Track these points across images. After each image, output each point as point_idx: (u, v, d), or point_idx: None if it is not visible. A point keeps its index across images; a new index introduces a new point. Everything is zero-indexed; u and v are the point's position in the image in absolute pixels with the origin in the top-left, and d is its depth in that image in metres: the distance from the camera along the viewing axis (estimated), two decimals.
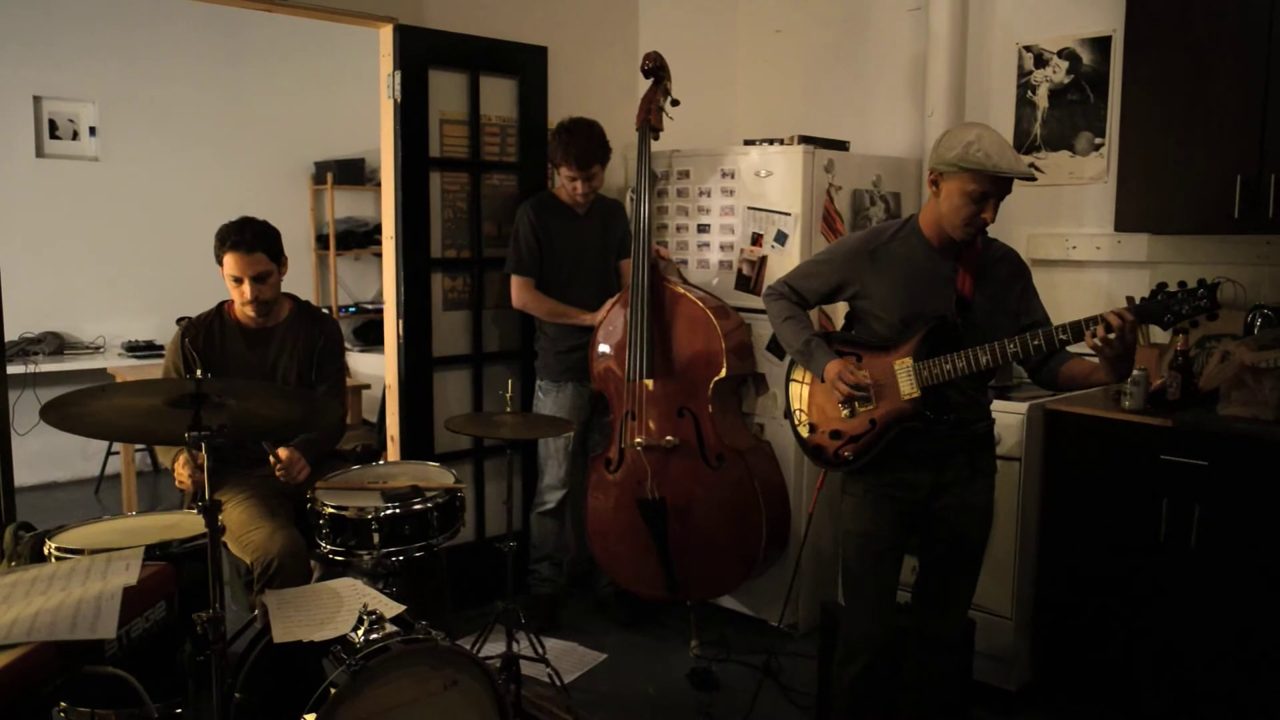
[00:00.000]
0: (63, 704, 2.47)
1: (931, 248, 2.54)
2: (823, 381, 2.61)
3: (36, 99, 5.89)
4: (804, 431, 2.73)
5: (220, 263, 3.11)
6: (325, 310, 3.95)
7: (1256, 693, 2.87)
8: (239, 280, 3.09)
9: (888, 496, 2.59)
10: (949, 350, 2.45)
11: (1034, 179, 2.50)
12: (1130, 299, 2.36)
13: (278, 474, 2.95)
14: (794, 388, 2.77)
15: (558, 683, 3.20)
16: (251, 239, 3.07)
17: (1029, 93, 3.87)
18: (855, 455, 2.59)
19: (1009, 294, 2.57)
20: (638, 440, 3.70)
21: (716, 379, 3.60)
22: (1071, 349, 2.43)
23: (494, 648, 3.21)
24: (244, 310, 3.16)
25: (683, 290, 3.69)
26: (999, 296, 2.55)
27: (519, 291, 3.85)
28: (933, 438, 2.53)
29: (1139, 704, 3.10)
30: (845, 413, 2.60)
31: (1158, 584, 3.03)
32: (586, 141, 3.72)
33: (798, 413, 2.75)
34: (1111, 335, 2.27)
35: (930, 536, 2.64)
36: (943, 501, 2.58)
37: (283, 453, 2.97)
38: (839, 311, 3.06)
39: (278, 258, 3.15)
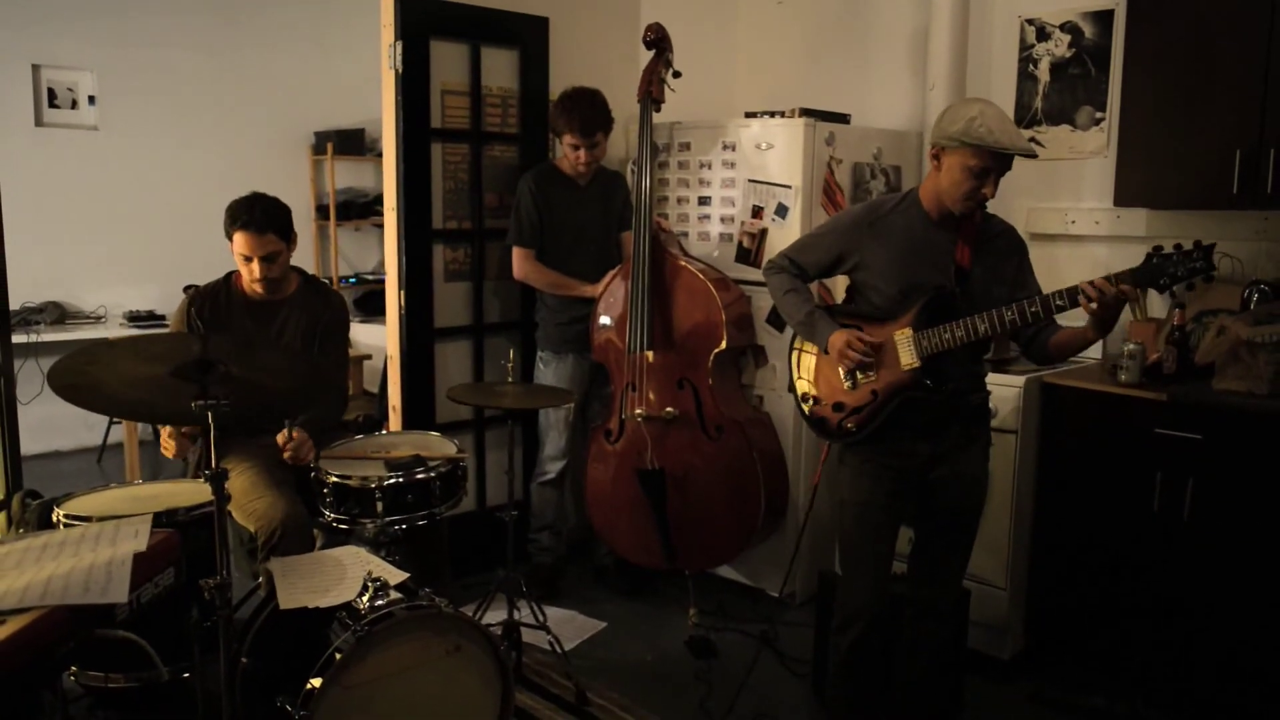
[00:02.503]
0: (74, 668, 2.54)
1: (931, 220, 2.57)
2: (826, 353, 2.63)
3: (35, 67, 5.86)
4: (807, 405, 2.76)
5: (230, 239, 3.11)
6: (327, 281, 3.97)
7: (1248, 662, 2.92)
8: (248, 259, 3.09)
9: (885, 466, 2.62)
10: (947, 320, 2.48)
11: (1035, 156, 2.51)
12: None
13: (286, 454, 2.97)
14: (796, 361, 2.80)
15: (558, 650, 3.24)
16: (263, 219, 3.06)
17: (1031, 66, 3.87)
18: (858, 426, 2.62)
19: (1005, 267, 2.60)
20: (638, 411, 3.72)
21: (716, 351, 3.62)
22: (1061, 317, 2.46)
23: (495, 615, 3.25)
24: (252, 286, 3.17)
25: (683, 262, 3.70)
26: (996, 269, 2.58)
27: (520, 263, 3.86)
28: (930, 408, 2.56)
29: (1131, 673, 3.15)
30: (848, 384, 2.63)
31: (1151, 555, 3.07)
32: (590, 108, 3.72)
33: (801, 384, 2.78)
34: (1106, 297, 2.31)
35: (926, 506, 2.67)
36: (938, 471, 2.62)
37: (297, 434, 2.98)
38: (839, 286, 3.08)
39: (288, 236, 3.15)
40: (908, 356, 2.54)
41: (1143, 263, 2.33)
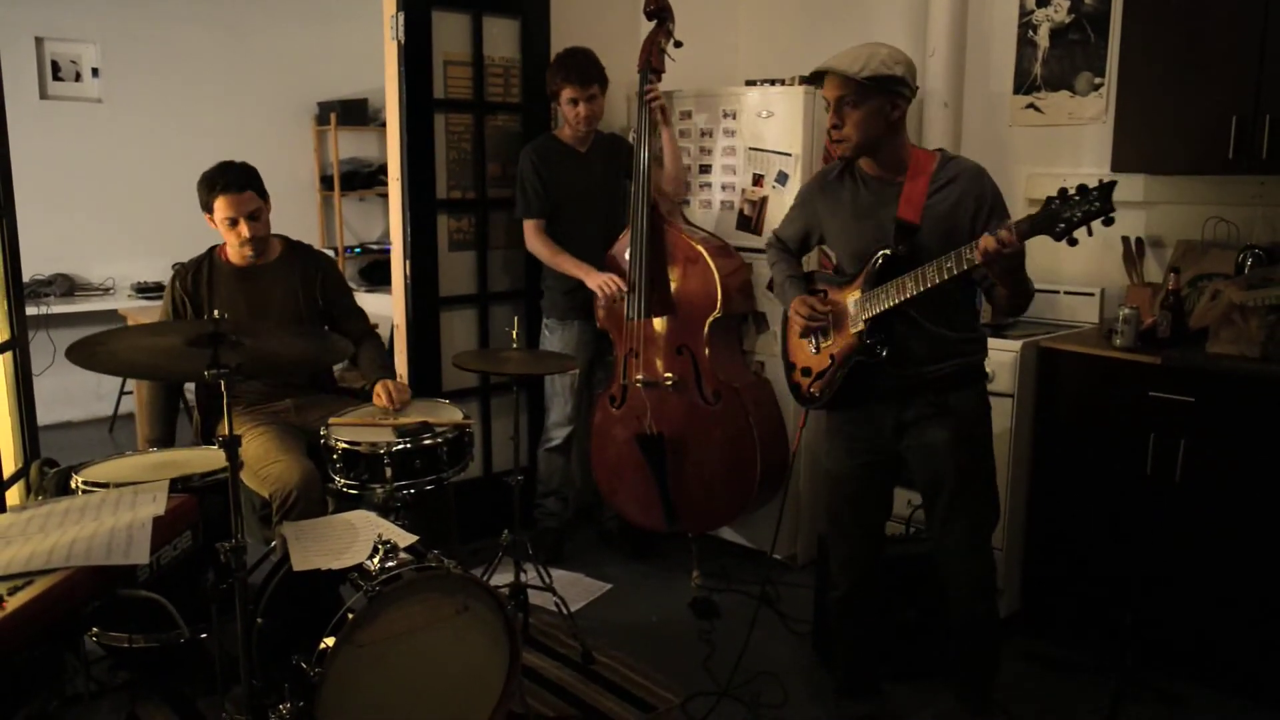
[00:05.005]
0: (95, 629, 2.61)
1: (871, 177, 2.56)
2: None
3: (38, 40, 5.88)
4: (784, 371, 2.83)
5: (210, 210, 3.14)
6: (330, 251, 4.00)
7: (1237, 620, 2.99)
8: (234, 221, 3.13)
9: (856, 436, 2.67)
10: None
11: (829, 71, 2.46)
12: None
13: (385, 403, 3.09)
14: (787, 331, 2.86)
15: (564, 611, 3.31)
16: (240, 179, 3.11)
17: (1030, 32, 3.87)
18: (821, 392, 2.66)
19: (959, 216, 2.46)
20: (638, 377, 3.78)
21: (712, 318, 3.66)
22: None
23: (502, 578, 3.32)
24: (241, 251, 3.21)
25: (682, 230, 3.74)
26: (950, 216, 2.45)
27: (530, 235, 3.90)
28: (888, 376, 2.55)
29: (1124, 631, 3.21)
30: (812, 349, 2.68)
31: (1143, 516, 3.12)
32: (586, 59, 3.76)
33: (781, 352, 2.85)
34: (992, 253, 2.21)
35: (907, 476, 2.72)
36: (905, 442, 2.62)
37: (380, 390, 3.10)
38: None
39: (263, 193, 3.19)
40: (856, 321, 2.56)
41: (1042, 207, 2.20)
